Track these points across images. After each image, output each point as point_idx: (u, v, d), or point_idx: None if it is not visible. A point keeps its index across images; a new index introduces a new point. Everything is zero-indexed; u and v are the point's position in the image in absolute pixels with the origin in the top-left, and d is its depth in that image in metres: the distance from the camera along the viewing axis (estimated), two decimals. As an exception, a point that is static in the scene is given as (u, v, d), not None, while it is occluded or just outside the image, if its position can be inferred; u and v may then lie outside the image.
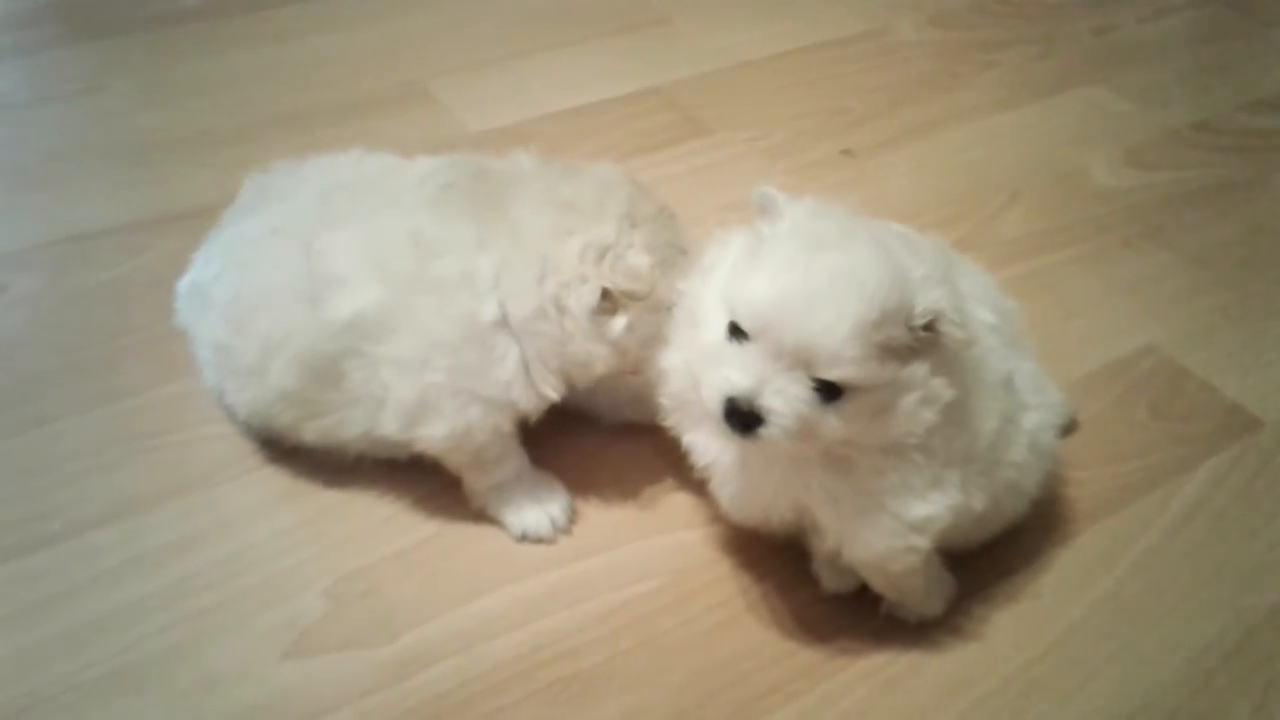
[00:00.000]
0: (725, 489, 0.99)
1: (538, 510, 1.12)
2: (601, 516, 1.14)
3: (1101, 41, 2.08)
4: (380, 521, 1.13)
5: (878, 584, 1.01)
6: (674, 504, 1.15)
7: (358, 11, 2.04)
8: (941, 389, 0.87)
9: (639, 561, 1.10)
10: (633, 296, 1.00)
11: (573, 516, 1.14)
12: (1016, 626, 1.04)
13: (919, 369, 0.86)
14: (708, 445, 0.98)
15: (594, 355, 1.03)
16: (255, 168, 1.44)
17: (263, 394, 1.10)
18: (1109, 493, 1.18)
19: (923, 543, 0.92)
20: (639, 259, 1.00)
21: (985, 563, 1.08)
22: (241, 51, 1.90)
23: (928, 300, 0.84)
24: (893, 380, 0.85)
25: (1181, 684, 1.00)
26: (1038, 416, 1.01)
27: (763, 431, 0.84)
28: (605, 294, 1.00)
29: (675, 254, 1.04)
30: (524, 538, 1.12)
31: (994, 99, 1.88)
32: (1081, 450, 1.21)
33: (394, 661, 1.00)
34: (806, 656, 1.02)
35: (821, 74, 1.94)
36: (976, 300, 0.97)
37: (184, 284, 1.19)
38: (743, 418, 0.84)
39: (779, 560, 1.09)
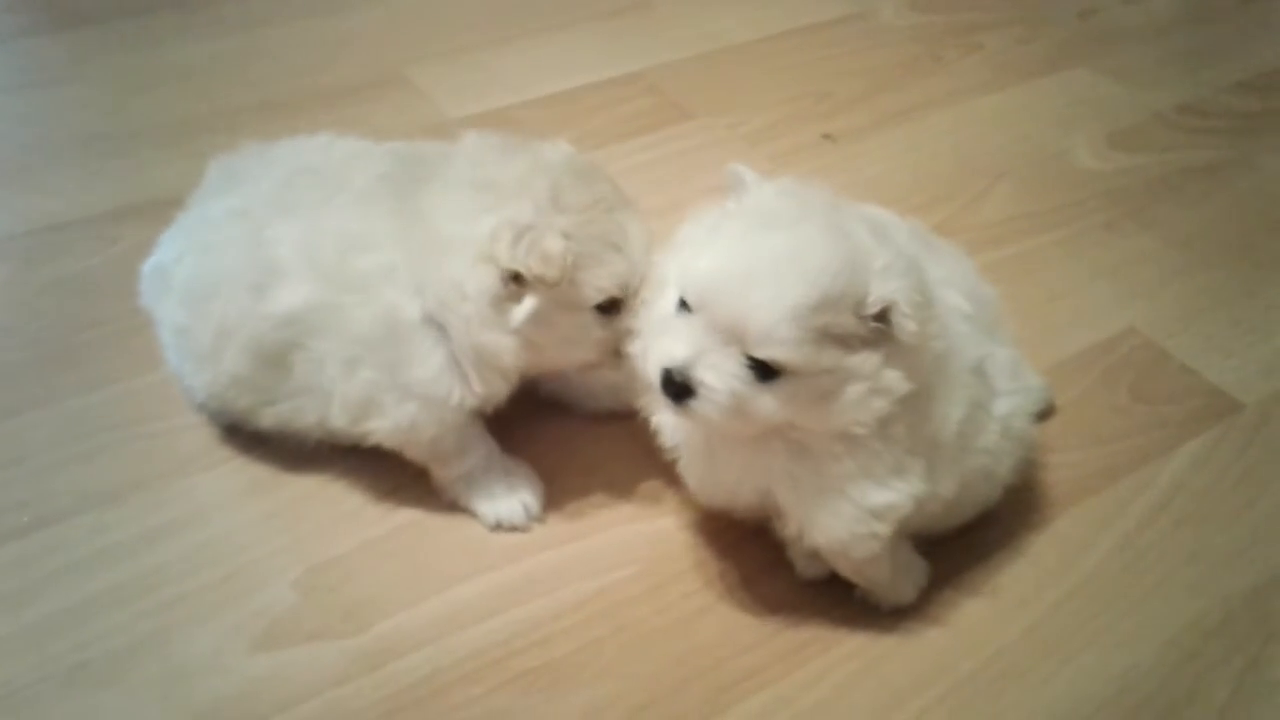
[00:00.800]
0: (691, 470, 0.99)
1: (510, 498, 1.11)
2: (575, 504, 1.13)
3: (1086, 24, 2.07)
4: (351, 511, 1.12)
5: (843, 569, 1.00)
6: (649, 492, 1.14)
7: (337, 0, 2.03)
8: (896, 382, 0.86)
9: (613, 549, 1.09)
10: (542, 282, 0.93)
11: (545, 504, 1.13)
12: (994, 611, 1.04)
13: (869, 359, 0.85)
14: (676, 426, 0.97)
15: (498, 346, 0.99)
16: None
17: (218, 378, 1.09)
18: (1089, 476, 1.17)
19: (884, 529, 0.91)
20: (553, 243, 0.93)
21: (963, 547, 1.07)
22: (218, 39, 1.88)
23: (883, 290, 0.83)
24: (835, 367, 0.84)
25: (1159, 667, 1.00)
26: (1011, 402, 1.00)
27: (693, 404, 0.84)
28: (514, 279, 0.95)
29: (604, 249, 0.97)
30: (497, 526, 1.11)
31: (978, 82, 1.87)
32: (1062, 433, 1.21)
33: (365, 652, 0.99)
34: (781, 642, 1.01)
35: (803, 58, 1.92)
36: (951, 285, 0.96)
37: (148, 266, 1.18)
38: (675, 388, 0.85)
39: (754, 547, 1.07)
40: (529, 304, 0.96)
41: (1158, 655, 1.01)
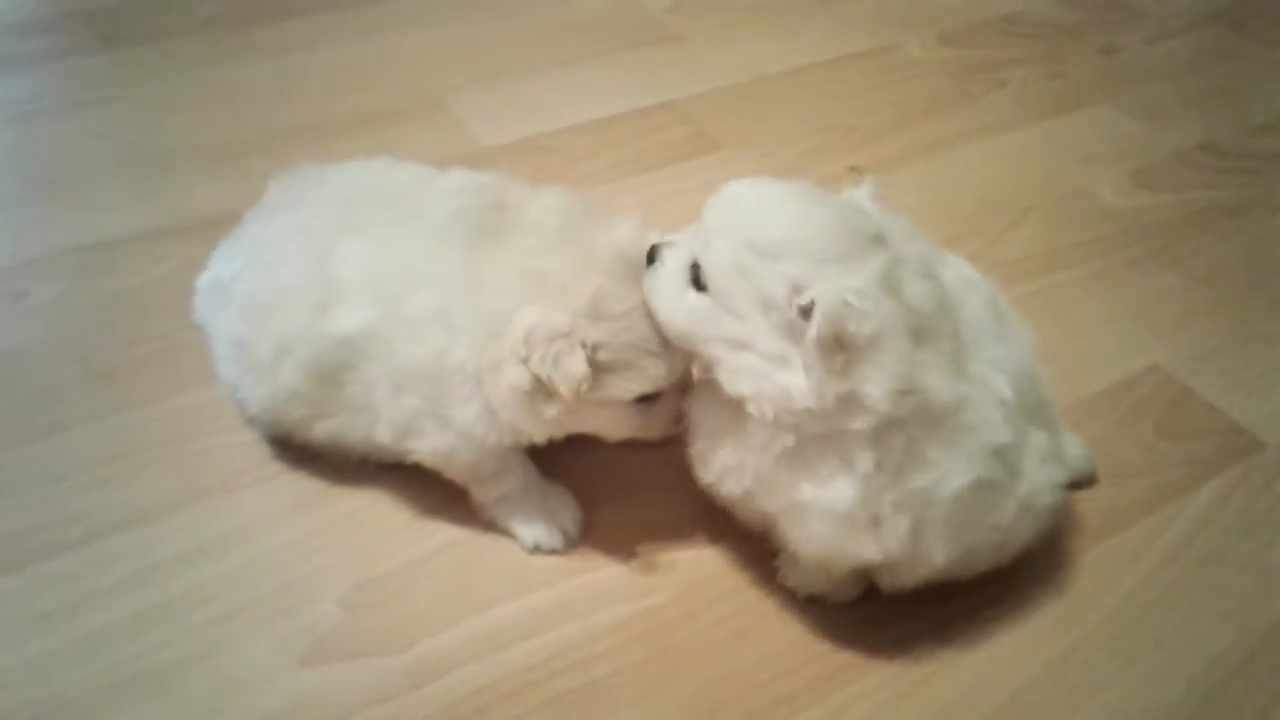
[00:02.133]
0: (695, 443, 1.03)
1: (548, 522, 1.13)
2: (612, 529, 1.15)
3: (1109, 61, 2.10)
4: (395, 530, 1.15)
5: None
6: (685, 518, 1.17)
7: (373, 24, 2.06)
8: (793, 386, 0.87)
9: (651, 573, 1.12)
10: (559, 397, 0.97)
11: (583, 528, 1.15)
12: (1022, 644, 1.06)
13: (773, 341, 0.88)
14: (690, 406, 1.04)
15: (529, 429, 1.04)
16: (270, 177, 1.46)
17: (275, 392, 1.11)
18: (1114, 511, 1.19)
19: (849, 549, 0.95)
20: (574, 364, 0.95)
21: (992, 580, 1.09)
22: (257, 62, 1.92)
23: (824, 288, 0.84)
24: (742, 320, 0.90)
25: (1185, 703, 1.02)
26: (1039, 478, 1.01)
27: (649, 270, 0.99)
28: (539, 381, 0.97)
29: (640, 356, 0.99)
30: (535, 549, 1.13)
31: (1003, 118, 1.90)
32: (1086, 469, 1.23)
33: (408, 670, 1.02)
34: (816, 669, 1.04)
35: (831, 90, 1.95)
36: (1002, 370, 0.96)
37: (203, 280, 1.21)
38: (650, 255, 0.99)
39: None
40: (557, 406, 0.99)
41: (1183, 691, 1.03)
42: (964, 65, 2.05)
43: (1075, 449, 1.16)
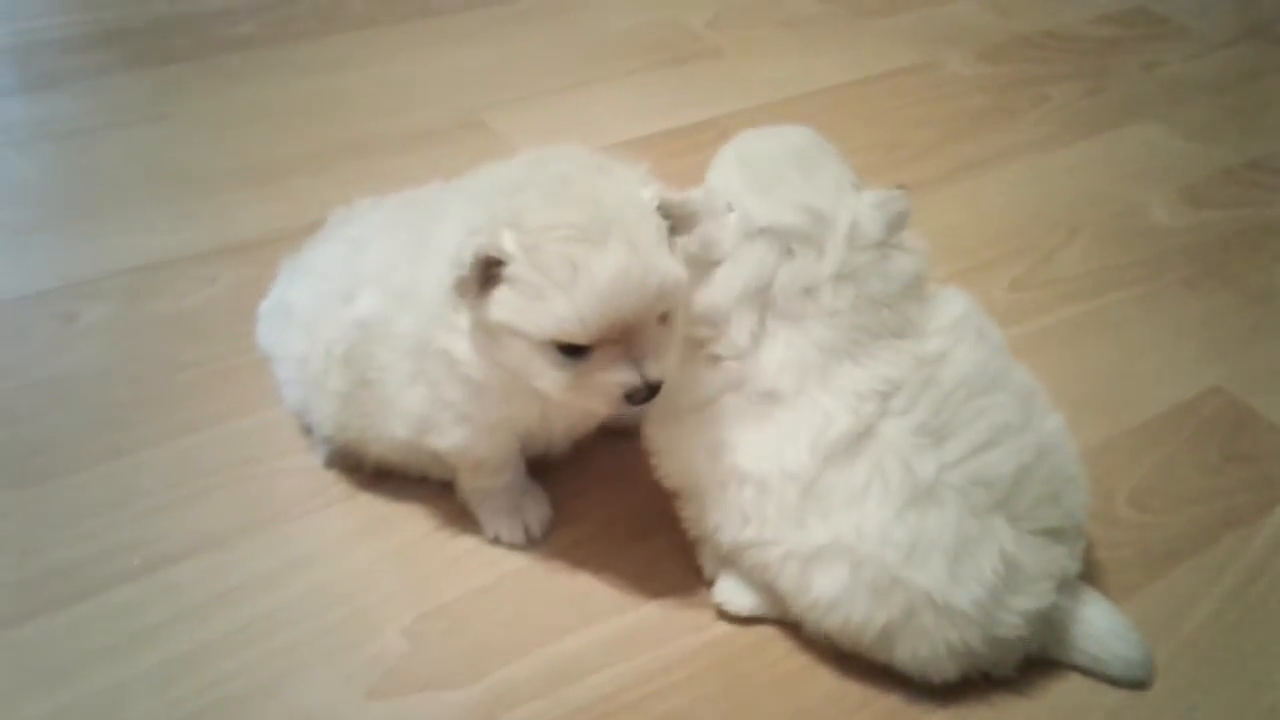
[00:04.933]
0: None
1: (512, 517, 1.15)
2: (677, 555, 1.14)
3: (1151, 77, 2.08)
4: (458, 557, 1.14)
5: None
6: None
7: (410, 41, 2.06)
8: None
9: (709, 605, 1.09)
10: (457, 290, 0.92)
11: (548, 529, 1.16)
12: (1088, 679, 1.04)
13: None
14: None
15: (455, 349, 0.97)
16: (320, 198, 1.46)
17: (330, 402, 1.12)
18: (1181, 538, 1.17)
19: None
20: (467, 251, 0.89)
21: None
22: (298, 79, 1.92)
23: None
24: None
25: (1267, 734, 1.00)
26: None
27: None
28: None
29: (546, 284, 0.89)
30: (495, 540, 1.15)
31: (1047, 134, 1.88)
32: (1151, 495, 1.21)
33: (477, 702, 1.01)
34: (886, 703, 1.02)
35: (874, 108, 1.94)
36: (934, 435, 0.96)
37: (265, 306, 1.23)
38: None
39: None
40: (464, 313, 0.95)
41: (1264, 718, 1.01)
42: (1005, 81, 2.04)
43: (1107, 623, 1.04)
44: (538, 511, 1.16)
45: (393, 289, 1.04)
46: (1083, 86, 2.04)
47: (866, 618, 0.96)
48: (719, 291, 0.97)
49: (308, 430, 1.22)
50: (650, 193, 0.95)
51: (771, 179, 1.00)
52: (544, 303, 0.89)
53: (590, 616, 1.08)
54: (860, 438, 0.95)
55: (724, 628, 1.08)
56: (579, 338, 0.90)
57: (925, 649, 0.97)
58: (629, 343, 0.91)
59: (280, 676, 1.02)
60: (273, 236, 1.52)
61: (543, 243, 0.89)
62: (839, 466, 0.95)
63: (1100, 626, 1.02)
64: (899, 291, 0.98)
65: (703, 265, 0.98)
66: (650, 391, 0.93)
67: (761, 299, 0.97)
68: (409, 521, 1.17)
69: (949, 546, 0.94)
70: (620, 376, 0.91)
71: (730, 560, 1.06)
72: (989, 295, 1.45)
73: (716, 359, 0.99)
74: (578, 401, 0.95)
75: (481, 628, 1.07)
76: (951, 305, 1.03)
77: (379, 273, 1.06)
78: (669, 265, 0.92)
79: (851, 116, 1.91)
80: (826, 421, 0.95)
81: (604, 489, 1.21)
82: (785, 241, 0.96)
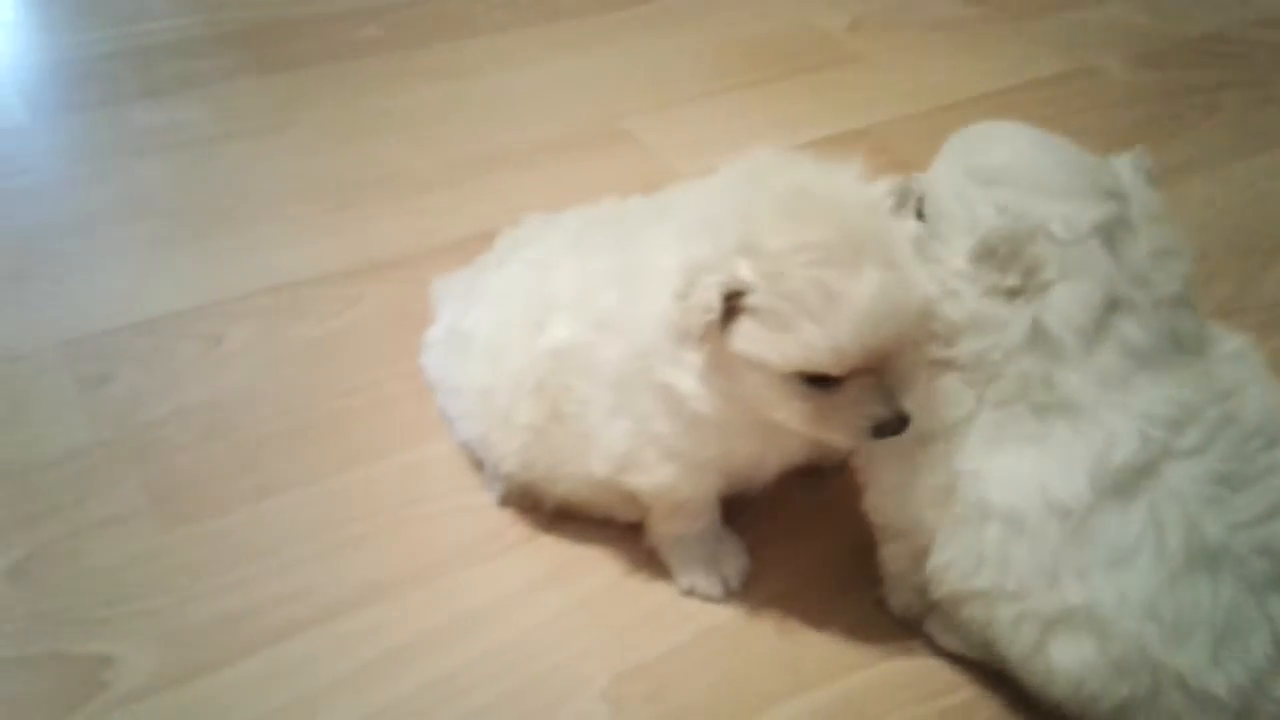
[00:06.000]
0: None
1: (709, 568, 1.05)
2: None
3: (1325, 85, 1.95)
4: (651, 611, 1.04)
5: None
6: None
7: (541, 48, 1.98)
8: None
9: (938, 669, 0.99)
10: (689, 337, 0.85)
11: (746, 580, 1.06)
12: None
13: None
14: None
15: (684, 388, 0.89)
16: (461, 213, 1.45)
17: (516, 437, 1.03)
18: None
19: None
20: (704, 295, 0.82)
21: None
22: (427, 86, 1.83)
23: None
24: (946, 246, 0.90)
25: None
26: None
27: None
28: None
29: (794, 313, 0.82)
30: (690, 592, 1.05)
31: (1225, 146, 1.75)
32: None
33: (694, 781, 0.91)
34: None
35: (1033, 116, 1.76)
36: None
37: (434, 334, 1.18)
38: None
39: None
40: (696, 354, 0.87)
41: None
42: (1170, 88, 1.91)
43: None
44: (735, 562, 1.06)
45: (593, 317, 0.95)
46: (1254, 95, 1.90)
47: (1103, 691, 0.84)
48: (1075, 313, 0.84)
49: (479, 466, 1.12)
50: (882, 193, 0.88)
51: (1051, 175, 0.88)
52: (792, 333, 0.81)
53: (801, 683, 0.98)
54: (1140, 474, 0.82)
55: (954, 699, 0.96)
56: (832, 369, 0.82)
57: None
58: (881, 371, 0.84)
59: (467, 751, 0.93)
60: (415, 254, 1.44)
61: (788, 268, 0.81)
62: (1112, 509, 0.82)
63: None
64: (1182, 288, 0.86)
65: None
66: (901, 424, 0.84)
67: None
68: (596, 568, 1.07)
69: (1217, 624, 0.81)
70: (872, 409, 0.84)
71: (940, 607, 0.95)
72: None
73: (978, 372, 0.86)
74: (819, 434, 0.87)
75: (685, 692, 0.97)
76: (1223, 334, 0.91)
77: (575, 299, 0.97)
78: (926, 283, 0.85)
79: (1012, 125, 1.79)
80: (1109, 445, 0.82)
81: (798, 536, 1.10)
82: (1111, 233, 0.85)
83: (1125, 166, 0.91)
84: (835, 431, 0.87)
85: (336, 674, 0.98)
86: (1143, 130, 1.78)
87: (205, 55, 1.88)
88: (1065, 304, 0.83)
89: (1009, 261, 0.83)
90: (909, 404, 0.85)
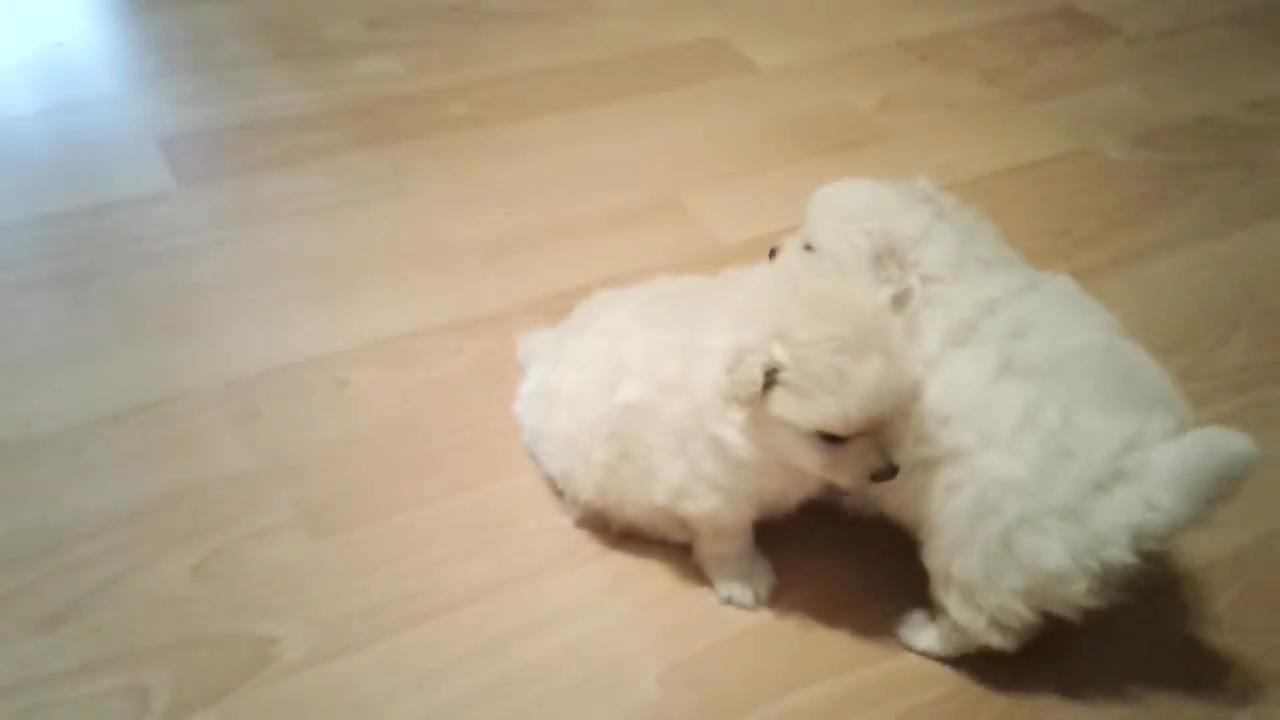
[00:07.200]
0: None
1: (745, 582, 1.32)
2: (890, 625, 1.29)
3: (1302, 167, 2.18)
4: (700, 614, 1.31)
5: None
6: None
7: (610, 124, 2.23)
8: None
9: (920, 669, 1.26)
10: (737, 401, 1.13)
11: (774, 595, 1.33)
12: None
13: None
14: None
15: (728, 438, 1.16)
16: (538, 275, 1.73)
17: (593, 472, 1.31)
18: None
19: None
20: (750, 372, 1.09)
21: None
22: (508, 161, 2.09)
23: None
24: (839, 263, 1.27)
25: None
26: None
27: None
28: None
29: (815, 388, 1.09)
30: (727, 601, 1.32)
31: (1205, 224, 1.99)
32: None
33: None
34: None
35: (1038, 193, 2.07)
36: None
37: (528, 388, 1.44)
38: (770, 253, 1.44)
39: (1052, 672, 1.24)
40: (740, 413, 1.14)
41: None
42: (1161, 169, 2.15)
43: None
44: (765, 579, 1.33)
45: (659, 381, 1.22)
46: (1235, 175, 2.14)
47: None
48: (943, 258, 1.23)
49: (559, 494, 1.40)
50: (885, 297, 1.16)
51: (889, 201, 1.28)
52: (814, 403, 1.09)
53: (816, 674, 1.25)
54: (968, 328, 1.20)
55: (932, 693, 1.23)
56: (842, 431, 1.10)
57: None
58: (879, 432, 1.11)
59: (554, 717, 1.20)
60: (502, 312, 1.71)
61: (812, 354, 1.08)
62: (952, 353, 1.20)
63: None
64: (996, 235, 1.36)
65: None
66: (893, 473, 1.12)
67: None
68: (654, 578, 1.34)
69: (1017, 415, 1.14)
70: (872, 461, 1.12)
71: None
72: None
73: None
74: (830, 477, 1.15)
75: (724, 680, 1.24)
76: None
77: (643, 365, 1.24)
78: (916, 367, 1.13)
79: (1016, 202, 2.04)
80: (955, 313, 1.21)
81: (815, 558, 1.36)
82: (939, 219, 1.27)
83: (925, 182, 1.33)
84: (843, 476, 1.14)
85: (448, 657, 1.26)
86: (1131, 209, 2.03)
87: (318, 130, 2.15)
88: (935, 258, 1.22)
89: (889, 260, 1.21)
90: (901, 457, 1.13)
